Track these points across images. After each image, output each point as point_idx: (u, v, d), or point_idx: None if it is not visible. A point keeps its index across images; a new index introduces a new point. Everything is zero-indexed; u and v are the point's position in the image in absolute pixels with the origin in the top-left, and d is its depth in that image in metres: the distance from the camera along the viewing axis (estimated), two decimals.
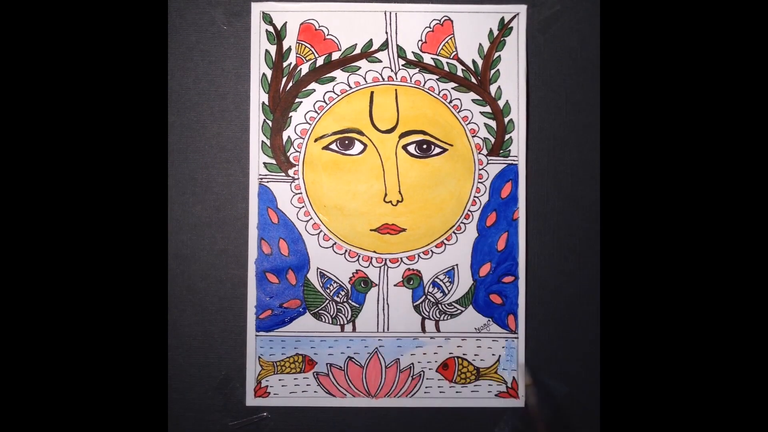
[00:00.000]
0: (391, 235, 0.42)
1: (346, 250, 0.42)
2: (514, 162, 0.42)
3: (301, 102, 0.42)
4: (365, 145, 0.42)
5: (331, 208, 0.42)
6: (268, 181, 0.42)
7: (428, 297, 0.42)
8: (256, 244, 0.42)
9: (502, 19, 0.42)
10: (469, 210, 0.42)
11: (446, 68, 0.42)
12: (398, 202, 0.42)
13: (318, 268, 0.42)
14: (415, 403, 0.42)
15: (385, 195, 0.42)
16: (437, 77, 0.42)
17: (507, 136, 0.43)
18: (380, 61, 0.42)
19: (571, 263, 0.43)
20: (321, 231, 0.42)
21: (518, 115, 0.42)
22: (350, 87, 0.42)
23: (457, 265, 0.42)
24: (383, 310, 0.42)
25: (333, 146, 0.42)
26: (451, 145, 0.42)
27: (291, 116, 0.42)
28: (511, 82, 0.42)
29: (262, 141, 0.42)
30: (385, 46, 0.42)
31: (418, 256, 0.42)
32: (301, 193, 0.42)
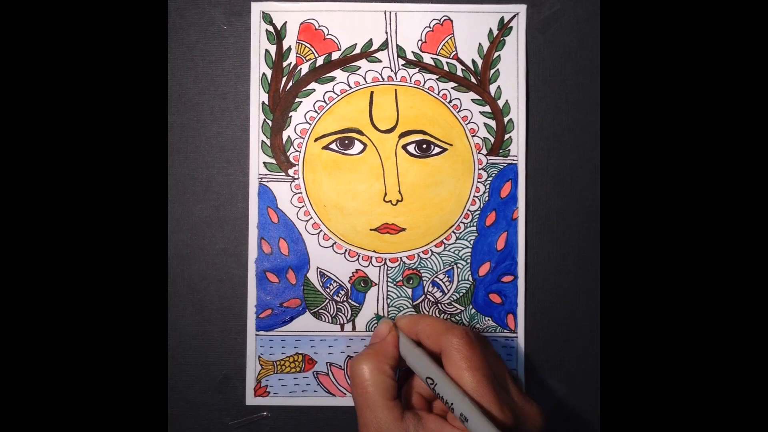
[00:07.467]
0: (391, 234, 0.42)
1: (345, 250, 0.42)
2: (513, 162, 0.42)
3: (301, 102, 0.42)
4: (365, 145, 0.42)
5: (331, 207, 0.42)
6: (268, 181, 0.42)
7: (428, 296, 0.42)
8: (256, 244, 0.42)
9: (502, 18, 0.42)
10: (468, 209, 0.42)
11: (446, 68, 0.42)
12: (398, 201, 0.42)
13: (318, 268, 0.42)
14: None
15: (385, 194, 0.42)
16: (437, 77, 0.42)
17: (507, 136, 0.43)
18: (380, 61, 0.42)
19: (570, 263, 0.43)
20: (321, 230, 0.42)
21: (518, 114, 0.43)
22: (350, 87, 0.42)
23: (456, 264, 0.42)
24: (383, 309, 0.42)
25: (333, 146, 0.42)
26: (451, 145, 0.42)
27: (291, 116, 0.42)
28: (511, 82, 0.43)
29: (262, 141, 0.42)
30: (384, 45, 0.42)
31: (418, 255, 0.42)
32: (301, 192, 0.42)
